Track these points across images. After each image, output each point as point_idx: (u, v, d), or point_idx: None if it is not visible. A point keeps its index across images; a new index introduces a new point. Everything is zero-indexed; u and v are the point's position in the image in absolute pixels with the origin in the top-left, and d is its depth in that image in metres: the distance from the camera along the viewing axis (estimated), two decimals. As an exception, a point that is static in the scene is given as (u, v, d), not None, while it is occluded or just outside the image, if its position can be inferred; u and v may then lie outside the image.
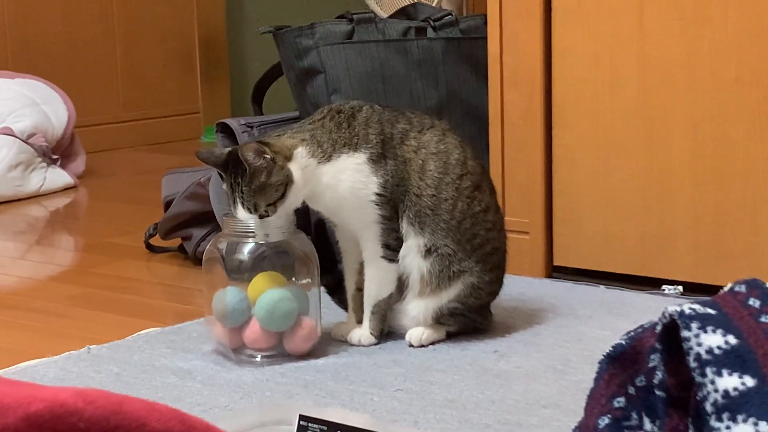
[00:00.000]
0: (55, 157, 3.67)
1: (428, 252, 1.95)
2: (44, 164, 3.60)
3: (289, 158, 1.90)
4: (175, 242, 2.70)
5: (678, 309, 1.15)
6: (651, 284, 2.29)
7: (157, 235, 2.69)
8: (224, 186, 1.92)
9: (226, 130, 2.52)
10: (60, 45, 4.24)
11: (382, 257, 1.96)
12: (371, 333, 1.98)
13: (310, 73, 2.52)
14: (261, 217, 1.88)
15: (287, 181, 1.89)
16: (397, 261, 1.96)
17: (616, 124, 2.31)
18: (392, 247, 1.96)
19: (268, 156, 1.87)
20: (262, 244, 1.91)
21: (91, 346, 1.98)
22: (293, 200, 1.90)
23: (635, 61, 2.28)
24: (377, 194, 1.93)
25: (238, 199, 1.88)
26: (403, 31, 2.60)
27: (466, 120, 2.58)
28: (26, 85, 3.77)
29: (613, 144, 2.32)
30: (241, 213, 1.89)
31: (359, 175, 1.93)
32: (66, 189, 3.64)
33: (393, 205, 1.95)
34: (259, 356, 1.91)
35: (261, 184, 1.87)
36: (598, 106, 2.33)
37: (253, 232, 1.90)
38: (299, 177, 1.90)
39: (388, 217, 1.95)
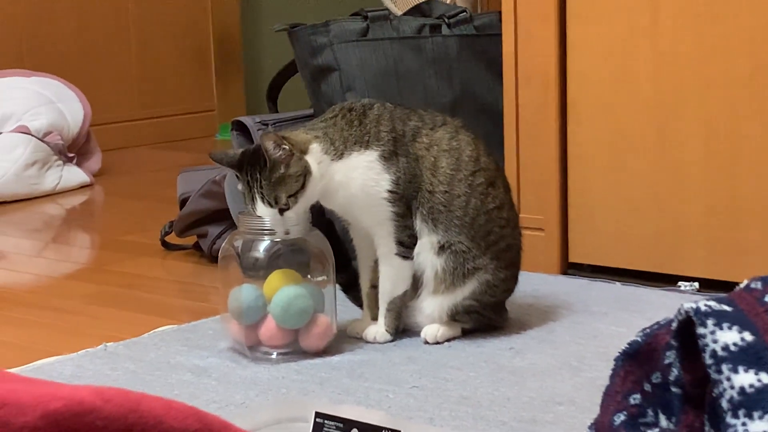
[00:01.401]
0: (70, 155, 3.67)
1: (442, 249, 1.95)
2: (60, 162, 3.61)
3: (305, 152, 1.90)
4: (190, 240, 2.71)
5: (693, 306, 1.15)
6: (666, 281, 2.29)
7: (173, 232, 2.70)
8: (239, 186, 1.92)
9: (241, 128, 2.52)
10: (75, 43, 4.25)
11: (396, 254, 1.96)
12: (386, 330, 1.99)
13: (324, 71, 2.52)
14: (281, 211, 1.88)
15: (306, 172, 1.89)
16: (412, 258, 1.96)
17: (630, 121, 2.31)
18: (406, 244, 1.96)
19: (286, 147, 1.87)
20: (277, 241, 1.92)
21: (107, 344, 1.99)
22: (312, 192, 1.90)
23: (649, 58, 2.27)
24: (389, 191, 1.93)
25: (257, 195, 1.88)
26: (418, 28, 2.60)
27: (480, 117, 2.58)
28: (42, 83, 3.77)
29: (627, 141, 2.32)
30: (261, 209, 1.89)
31: (371, 172, 1.93)
32: (82, 187, 3.64)
33: (406, 202, 1.95)
34: (275, 353, 1.92)
35: (281, 176, 1.87)
36: (612, 103, 2.33)
37: (268, 229, 1.90)
38: (316, 169, 1.90)
39: (401, 214, 1.95)
